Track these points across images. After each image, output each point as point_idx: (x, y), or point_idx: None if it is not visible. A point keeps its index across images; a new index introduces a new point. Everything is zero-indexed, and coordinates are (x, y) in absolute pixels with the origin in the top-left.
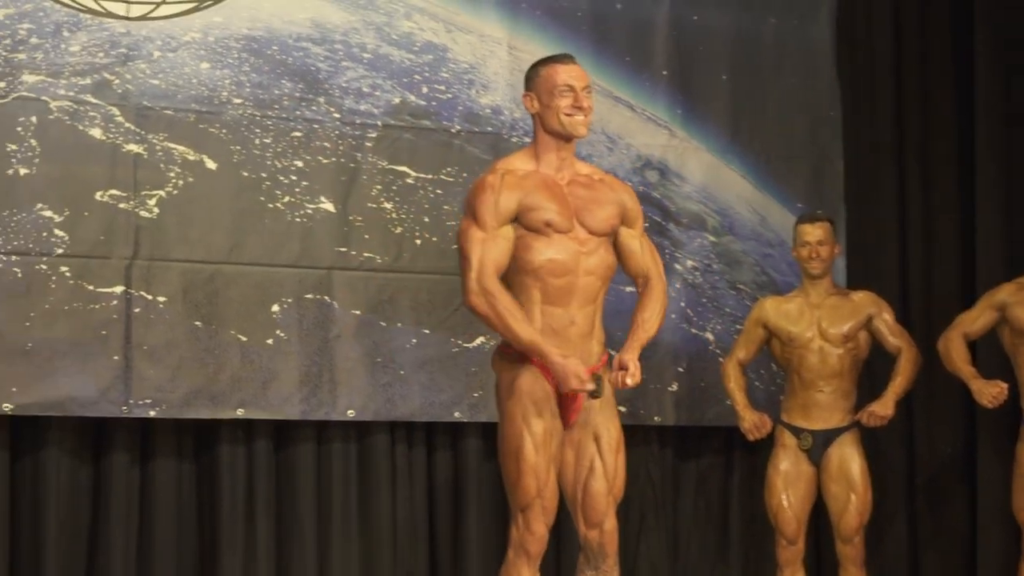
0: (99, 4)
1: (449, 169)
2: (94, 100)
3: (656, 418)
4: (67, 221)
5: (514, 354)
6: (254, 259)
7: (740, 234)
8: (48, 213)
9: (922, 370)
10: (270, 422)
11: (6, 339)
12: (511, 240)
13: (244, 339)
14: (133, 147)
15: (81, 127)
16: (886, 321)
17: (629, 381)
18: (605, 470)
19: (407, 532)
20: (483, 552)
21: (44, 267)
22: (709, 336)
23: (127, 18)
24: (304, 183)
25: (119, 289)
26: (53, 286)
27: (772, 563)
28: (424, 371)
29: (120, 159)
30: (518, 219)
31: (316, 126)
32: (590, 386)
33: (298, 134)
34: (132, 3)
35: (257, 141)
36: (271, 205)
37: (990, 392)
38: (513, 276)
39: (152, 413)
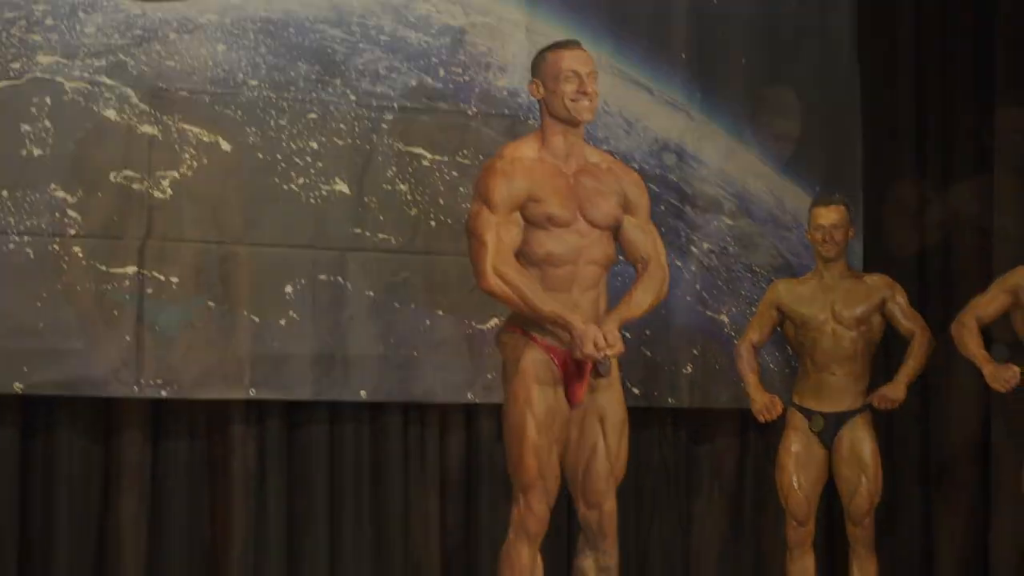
0: None
1: (465, 151)
2: (109, 81)
3: (670, 400)
4: (80, 202)
5: (519, 335)
6: (268, 240)
7: (756, 217)
8: (61, 194)
9: (938, 353)
10: (282, 402)
11: (18, 319)
12: (521, 225)
13: (257, 319)
14: (148, 128)
15: (96, 108)
16: (900, 304)
17: (610, 352)
18: (608, 451)
19: (419, 513)
20: (495, 533)
21: (57, 247)
22: (724, 319)
23: (143, 0)
24: (319, 164)
25: (132, 269)
26: (66, 266)
27: (781, 547)
28: (438, 352)
29: (134, 140)
30: (522, 208)
31: (332, 108)
32: (608, 352)
33: (314, 116)
34: None
35: (272, 123)
36: (286, 186)
37: (1003, 376)
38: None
39: (164, 393)
